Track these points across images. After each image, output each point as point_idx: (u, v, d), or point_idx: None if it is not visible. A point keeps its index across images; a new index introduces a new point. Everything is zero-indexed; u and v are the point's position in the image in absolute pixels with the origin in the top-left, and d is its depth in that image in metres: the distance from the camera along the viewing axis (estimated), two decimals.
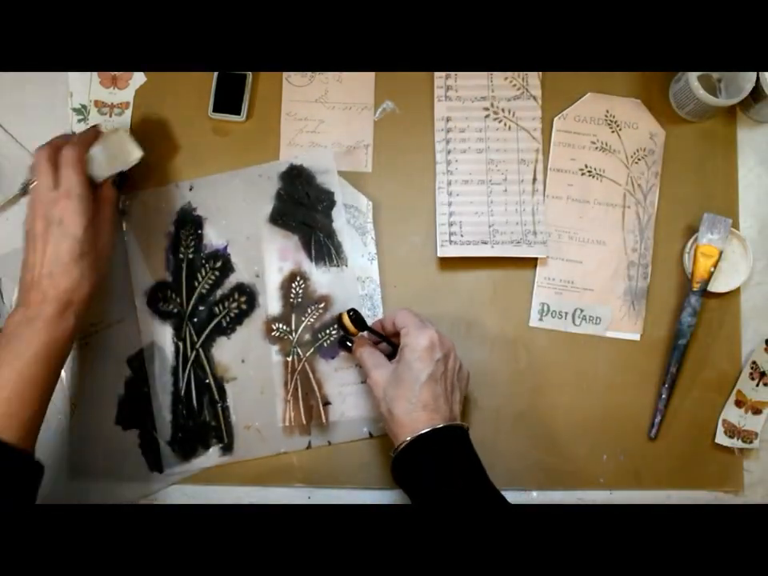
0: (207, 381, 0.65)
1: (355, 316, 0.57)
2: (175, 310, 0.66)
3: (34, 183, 0.57)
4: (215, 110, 0.67)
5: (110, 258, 0.58)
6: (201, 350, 0.65)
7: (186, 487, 0.64)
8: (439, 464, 0.51)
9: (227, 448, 0.64)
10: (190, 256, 0.66)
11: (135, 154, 0.61)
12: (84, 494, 0.64)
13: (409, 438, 0.52)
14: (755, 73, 0.63)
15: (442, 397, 0.53)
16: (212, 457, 0.64)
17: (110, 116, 0.68)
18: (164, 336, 0.65)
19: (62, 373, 0.65)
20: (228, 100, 0.67)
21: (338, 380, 0.64)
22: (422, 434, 0.51)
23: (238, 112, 0.67)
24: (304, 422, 0.64)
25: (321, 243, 0.66)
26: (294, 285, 0.65)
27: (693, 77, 0.63)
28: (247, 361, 0.65)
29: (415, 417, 0.52)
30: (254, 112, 0.68)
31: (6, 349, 0.52)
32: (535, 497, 0.65)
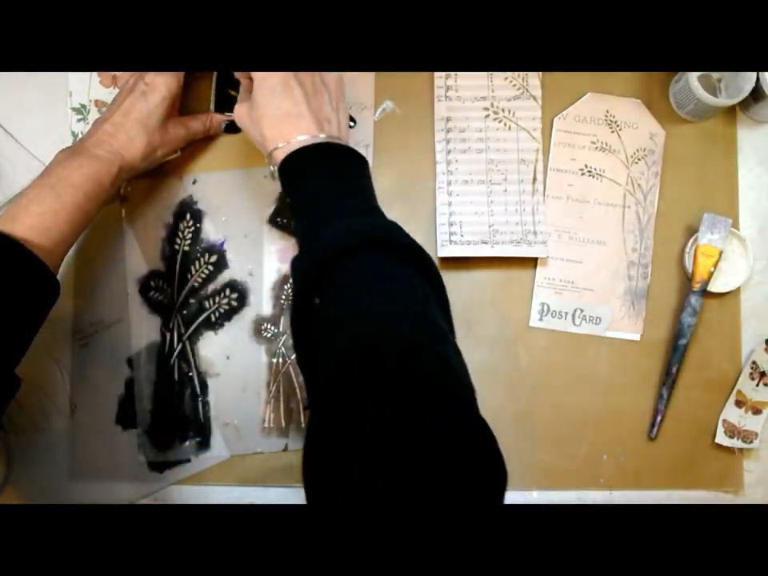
0: (190, 374, 0.65)
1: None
2: (165, 301, 0.66)
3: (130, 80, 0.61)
4: (216, 109, 0.67)
5: (166, 153, 0.62)
6: (187, 342, 0.65)
7: (186, 487, 0.64)
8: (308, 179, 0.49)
9: (204, 443, 0.64)
10: (186, 248, 0.66)
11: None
12: (84, 494, 0.64)
13: (272, 148, 0.51)
14: (755, 73, 0.63)
15: (304, 104, 0.51)
16: (188, 450, 0.64)
17: None
18: (152, 325, 0.65)
19: (62, 372, 0.65)
20: (228, 99, 0.67)
21: None
22: (294, 151, 0.49)
23: None
24: (283, 424, 0.64)
25: None
26: (286, 287, 0.65)
27: (693, 77, 0.63)
28: (232, 358, 0.65)
29: (282, 128, 0.51)
30: None
31: (48, 174, 0.54)
32: (535, 497, 0.65)
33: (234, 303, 0.65)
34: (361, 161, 0.52)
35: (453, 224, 0.66)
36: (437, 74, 0.69)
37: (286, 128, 0.51)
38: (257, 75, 0.54)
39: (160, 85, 0.59)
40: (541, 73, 0.69)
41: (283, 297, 0.65)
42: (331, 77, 0.56)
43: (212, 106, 0.67)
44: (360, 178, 0.52)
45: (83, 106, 0.68)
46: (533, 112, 0.68)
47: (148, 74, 0.59)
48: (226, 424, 0.64)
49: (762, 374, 0.65)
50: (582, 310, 0.66)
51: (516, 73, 0.69)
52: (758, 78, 0.64)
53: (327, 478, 0.39)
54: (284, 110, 0.51)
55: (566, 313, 0.66)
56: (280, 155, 0.51)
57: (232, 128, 0.66)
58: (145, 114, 0.58)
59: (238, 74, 0.60)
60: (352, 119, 0.64)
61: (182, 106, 0.68)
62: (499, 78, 0.68)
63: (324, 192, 0.49)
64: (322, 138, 0.50)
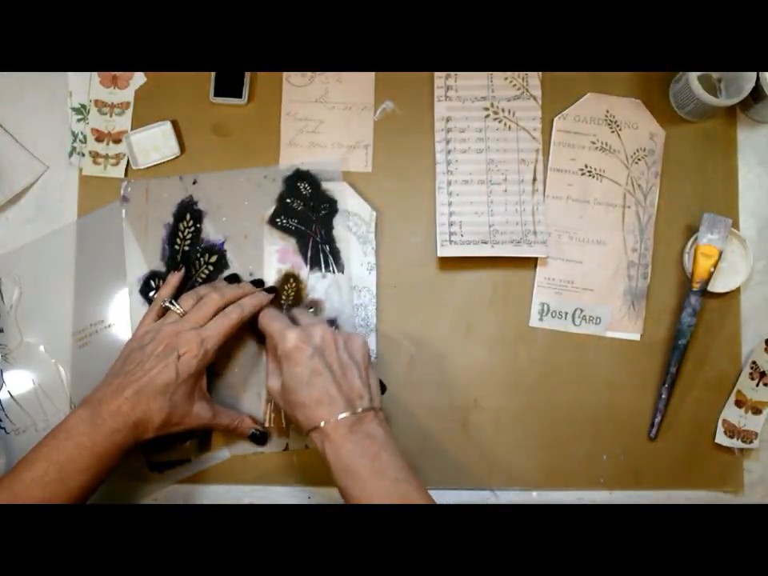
0: None
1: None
2: None
3: (179, 310, 0.59)
4: (216, 94, 0.67)
5: (182, 431, 0.58)
6: None
7: (186, 487, 0.64)
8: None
9: (204, 443, 0.64)
10: (186, 248, 0.66)
11: (175, 149, 0.67)
12: None
13: (307, 431, 0.53)
14: (755, 73, 0.63)
15: (333, 386, 0.52)
16: (188, 450, 0.64)
17: (110, 116, 0.68)
18: None
19: (62, 372, 0.65)
20: (228, 83, 0.67)
21: None
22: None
23: (239, 95, 0.67)
24: (283, 424, 0.64)
25: (318, 249, 0.66)
26: (286, 287, 0.65)
27: (693, 77, 0.63)
28: (233, 358, 0.65)
29: (313, 416, 0.52)
30: (253, 112, 0.68)
31: (57, 446, 0.52)
32: (535, 497, 0.65)
33: None
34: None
35: (453, 224, 0.66)
36: (437, 74, 0.69)
37: (319, 414, 0.52)
38: (281, 358, 0.54)
39: (191, 360, 0.56)
40: (541, 73, 0.69)
41: (283, 297, 0.65)
42: (356, 344, 0.56)
43: (212, 92, 0.67)
44: None
45: (83, 106, 0.68)
46: (533, 112, 0.68)
47: (181, 348, 0.56)
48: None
49: (762, 374, 0.65)
50: (581, 310, 0.66)
51: (516, 73, 0.69)
52: (757, 78, 0.64)
53: None
54: (314, 397, 0.52)
55: (566, 313, 0.66)
56: (317, 439, 0.52)
57: (259, 439, 0.62)
58: (172, 387, 0.55)
59: (262, 328, 0.59)
60: (382, 384, 0.59)
61: (179, 108, 0.68)
62: (499, 78, 0.68)
63: None
64: (349, 420, 0.52)
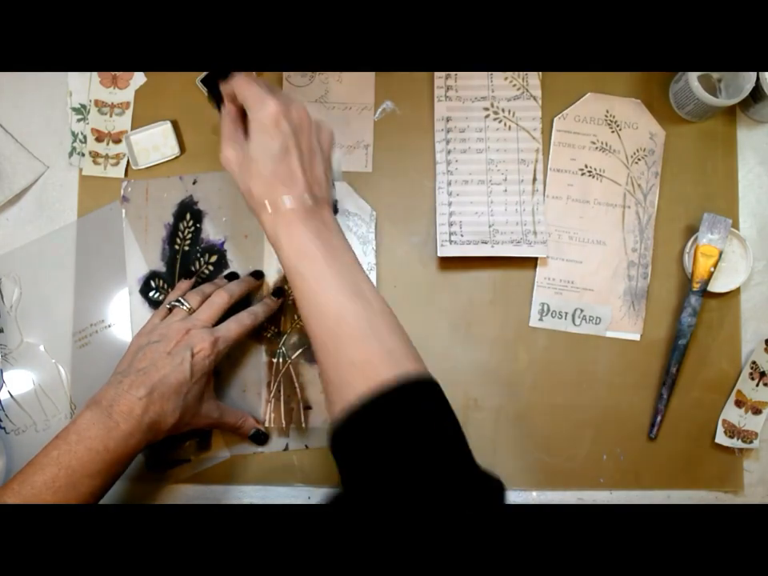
0: None
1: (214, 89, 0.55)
2: None
3: (186, 307, 0.59)
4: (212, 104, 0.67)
5: (193, 424, 0.58)
6: None
7: (186, 487, 0.64)
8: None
9: (204, 443, 0.64)
10: (186, 248, 0.66)
11: (175, 150, 0.67)
12: None
13: (259, 210, 0.51)
14: (755, 73, 0.64)
15: (299, 168, 0.51)
16: (188, 450, 0.64)
17: (110, 116, 0.68)
18: None
19: (62, 372, 0.65)
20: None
21: (320, 385, 0.64)
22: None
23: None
24: (284, 424, 0.64)
25: None
26: (286, 287, 0.65)
27: (693, 77, 0.63)
28: (232, 357, 0.65)
29: (272, 189, 0.50)
30: None
31: (68, 451, 0.50)
32: (535, 497, 0.65)
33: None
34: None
35: (453, 224, 0.66)
36: (437, 73, 0.69)
37: (277, 189, 0.50)
38: (253, 125, 0.51)
39: (204, 360, 0.56)
40: (541, 73, 0.69)
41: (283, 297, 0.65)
42: (325, 134, 0.55)
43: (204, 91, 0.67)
44: None
45: (83, 106, 0.68)
46: (533, 112, 0.68)
47: (195, 346, 0.55)
48: None
49: (762, 374, 0.65)
50: (582, 310, 0.66)
51: (516, 73, 0.69)
52: (757, 78, 0.64)
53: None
54: (279, 173, 0.51)
55: (566, 313, 0.66)
56: (268, 222, 0.51)
57: (260, 439, 0.63)
58: (186, 386, 0.54)
59: (235, 90, 0.54)
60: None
61: (178, 108, 0.68)
62: (499, 77, 0.69)
63: None
64: (308, 203, 0.51)
